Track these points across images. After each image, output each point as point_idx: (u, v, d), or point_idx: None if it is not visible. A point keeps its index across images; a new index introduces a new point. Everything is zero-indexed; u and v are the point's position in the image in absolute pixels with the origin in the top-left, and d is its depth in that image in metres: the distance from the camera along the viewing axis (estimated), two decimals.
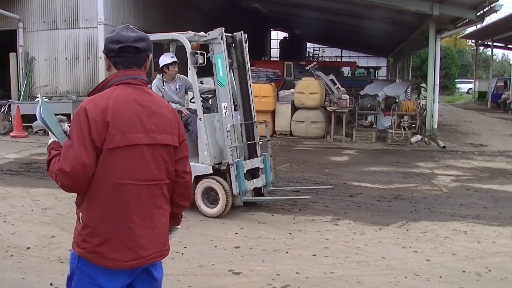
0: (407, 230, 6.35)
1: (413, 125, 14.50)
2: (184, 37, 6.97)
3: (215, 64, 6.90)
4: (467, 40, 46.99)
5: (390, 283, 4.79)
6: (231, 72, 7.17)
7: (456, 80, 48.70)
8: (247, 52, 7.24)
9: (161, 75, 7.51)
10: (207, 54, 6.89)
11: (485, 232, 6.30)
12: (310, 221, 6.72)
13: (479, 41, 37.21)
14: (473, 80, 40.74)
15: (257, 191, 7.37)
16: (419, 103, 15.51)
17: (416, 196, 8.12)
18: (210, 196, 6.92)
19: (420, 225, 6.57)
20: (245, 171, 6.92)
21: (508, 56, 55.66)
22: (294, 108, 15.42)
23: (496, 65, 53.51)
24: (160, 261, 2.75)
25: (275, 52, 44.03)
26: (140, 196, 2.56)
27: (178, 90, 7.60)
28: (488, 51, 37.89)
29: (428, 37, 15.28)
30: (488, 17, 15.31)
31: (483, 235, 6.19)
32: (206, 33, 7.05)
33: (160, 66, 7.48)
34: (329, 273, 5.00)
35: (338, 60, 43.13)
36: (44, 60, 17.20)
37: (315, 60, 31.41)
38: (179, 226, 3.01)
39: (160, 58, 7.50)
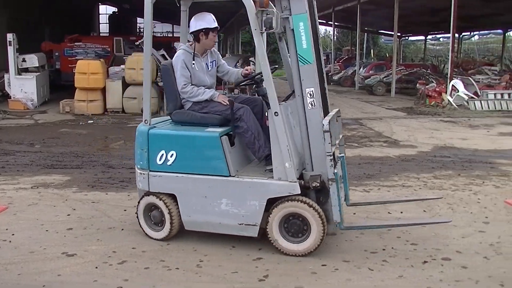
0: None
1: None
2: None
3: (293, 29, 4.64)
4: None
5: (225, 248, 4.98)
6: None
7: None
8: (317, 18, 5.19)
9: (189, 45, 5.28)
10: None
11: None
12: None
13: None
14: None
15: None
16: None
17: None
18: (293, 226, 4.78)
19: None
20: None
21: (329, 32, 59.59)
22: (126, 85, 15.12)
23: (320, 40, 57.04)
24: None
25: (104, 28, 42.47)
26: None
27: (209, 68, 5.37)
28: None
29: None
30: None
31: None
32: None
33: (193, 31, 5.17)
34: (166, 245, 5.05)
35: (170, 35, 42.87)
36: None
37: None
38: None
39: (193, 21, 5.21)
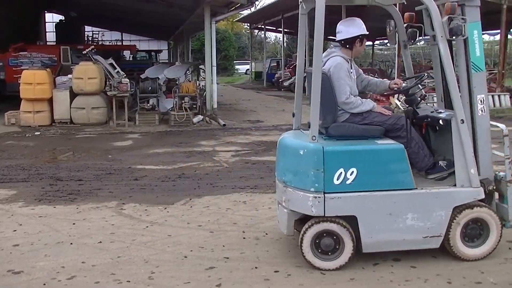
0: (191, 207, 6.58)
1: (194, 106, 14.95)
2: None
3: (467, 38, 4.65)
4: (243, 24, 49.58)
5: (177, 258, 4.92)
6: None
7: (234, 61, 51.22)
8: None
9: (347, 50, 4.96)
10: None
11: (262, 200, 6.82)
12: (94, 209, 6.57)
13: (253, 24, 39.62)
14: (250, 61, 43.28)
15: None
16: (199, 84, 16.03)
17: (199, 173, 8.44)
18: (472, 231, 4.78)
19: (203, 200, 6.85)
20: None
21: (279, 38, 60.10)
22: (73, 95, 14.79)
23: (269, 46, 57.38)
24: None
25: (51, 36, 41.46)
26: None
27: (355, 76, 5.08)
28: (262, 33, 40.53)
29: (204, 20, 15.81)
30: (258, 2, 16.38)
31: (260, 203, 6.69)
32: None
33: (347, 38, 4.89)
34: (116, 258, 4.96)
35: (119, 43, 42.32)
36: None
37: (94, 44, 30.41)
38: None
39: (343, 27, 4.92)
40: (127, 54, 30.33)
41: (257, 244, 5.25)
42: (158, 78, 16.30)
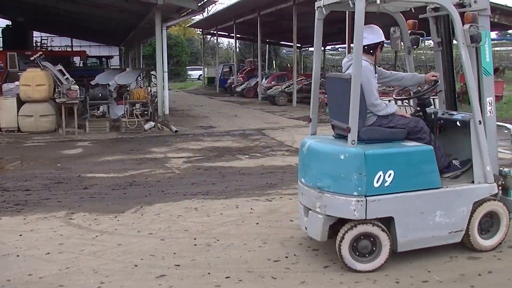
0: (142, 214, 6.51)
1: (145, 112, 14.80)
2: (450, 3, 4.88)
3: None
4: (196, 29, 49.46)
5: (127, 267, 4.86)
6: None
7: (187, 67, 50.99)
8: None
9: (369, 56, 5.08)
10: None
11: (214, 206, 6.81)
12: (42, 219, 6.41)
13: (206, 30, 39.59)
14: (202, 67, 43.20)
15: None
16: (150, 91, 15.90)
17: (150, 180, 8.36)
18: (485, 224, 5.12)
19: (154, 207, 6.79)
20: None
21: (232, 43, 60.28)
22: (21, 102, 14.41)
23: (222, 52, 57.41)
24: None
25: None
26: None
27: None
28: (215, 39, 40.54)
29: (155, 25, 15.69)
30: (211, 7, 16.37)
31: (212, 209, 6.68)
32: None
33: (371, 44, 5.05)
34: (64, 268, 4.86)
35: (69, 49, 41.49)
36: None
37: (42, 49, 29.72)
38: None
39: (365, 33, 4.94)
40: (77, 60, 29.82)
41: (209, 251, 5.25)
42: (108, 84, 16.08)
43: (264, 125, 15.98)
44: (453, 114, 5.36)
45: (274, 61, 46.31)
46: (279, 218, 6.24)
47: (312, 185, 4.88)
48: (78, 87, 14.07)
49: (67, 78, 14.19)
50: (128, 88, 15.64)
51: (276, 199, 7.14)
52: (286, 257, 5.02)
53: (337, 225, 4.72)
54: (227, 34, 39.39)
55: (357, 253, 4.68)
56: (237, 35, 34.68)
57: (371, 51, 5.08)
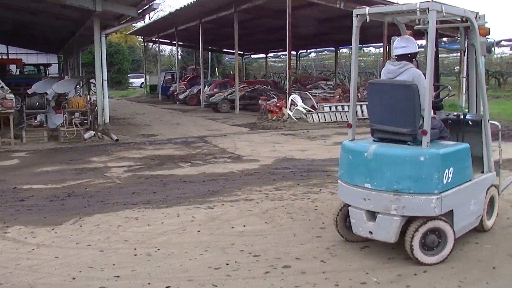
0: (80, 226, 6.36)
1: (85, 121, 14.49)
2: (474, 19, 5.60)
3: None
4: (137, 36, 48.87)
5: (65, 281, 4.74)
6: None
7: (129, 75, 50.26)
8: None
9: (413, 63, 5.51)
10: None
11: (155, 215, 6.74)
12: None
13: (147, 37, 39.19)
14: (144, 75, 42.72)
15: None
16: (90, 99, 15.59)
17: (90, 191, 8.18)
18: (489, 208, 5.99)
19: (93, 218, 6.65)
20: None
21: (174, 51, 59.95)
22: None
23: (165, 59, 56.96)
24: None
25: None
26: None
27: None
28: (157, 46, 40.20)
29: (94, 33, 15.41)
30: (152, 14, 16.16)
31: (152, 218, 6.60)
32: None
33: (413, 53, 5.52)
34: None
35: (4, 57, 40.13)
36: None
37: None
38: None
39: (405, 42, 5.52)
40: (13, 68, 28.89)
41: (149, 261, 5.18)
42: (46, 93, 15.65)
43: (207, 133, 15.95)
44: (459, 115, 6.10)
45: (217, 68, 46.33)
46: (221, 226, 6.24)
47: (385, 188, 5.03)
48: (14, 96, 13.62)
49: (2, 87, 13.73)
50: (66, 97, 15.26)
51: (217, 206, 7.13)
52: (227, 264, 5.02)
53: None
54: (169, 41, 39.12)
55: (426, 248, 4.98)
56: (179, 43, 34.45)
57: (414, 59, 5.52)
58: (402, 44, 5.49)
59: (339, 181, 5.56)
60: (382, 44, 22.45)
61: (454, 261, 5.03)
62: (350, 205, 5.37)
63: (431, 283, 4.57)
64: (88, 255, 5.35)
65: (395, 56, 5.53)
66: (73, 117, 14.07)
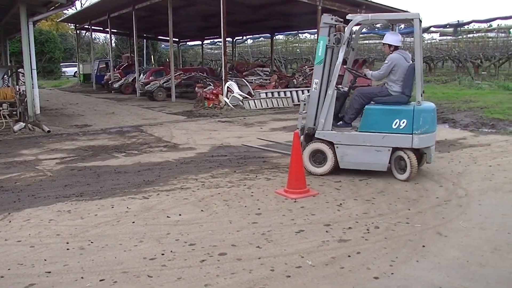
0: (10, 222, 6.13)
1: (14, 113, 13.95)
2: None
3: None
4: (69, 24, 47.39)
5: None
6: None
7: (61, 64, 48.70)
8: None
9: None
10: None
11: (88, 208, 6.58)
12: None
13: (79, 25, 38.04)
14: (77, 63, 41.53)
15: None
16: (19, 89, 15.01)
17: (20, 185, 7.89)
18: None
19: (23, 213, 6.42)
20: None
21: (108, 39, 58.58)
22: None
23: (98, 48, 55.57)
24: None
25: None
26: None
27: None
28: (90, 34, 39.10)
29: (21, 20, 14.80)
30: (83, 1, 15.48)
31: (86, 211, 6.44)
32: None
33: (399, 45, 8.13)
34: None
35: None
36: None
37: None
38: None
39: (398, 36, 8.23)
40: None
41: (82, 254, 5.07)
42: None
43: (142, 122, 15.72)
44: (341, 89, 8.46)
45: (152, 56, 45.60)
46: (156, 216, 6.17)
47: None
48: None
49: None
50: None
51: (153, 196, 7.04)
52: (163, 254, 4.98)
53: None
54: (102, 29, 38.13)
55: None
56: (112, 30, 33.68)
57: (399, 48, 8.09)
58: (396, 38, 8.03)
59: None
60: (316, 30, 22.68)
61: (386, 241, 5.19)
62: None
63: (364, 264, 4.69)
64: (17, 252, 5.17)
65: (396, 46, 7.93)
66: (1, 108, 13.52)
